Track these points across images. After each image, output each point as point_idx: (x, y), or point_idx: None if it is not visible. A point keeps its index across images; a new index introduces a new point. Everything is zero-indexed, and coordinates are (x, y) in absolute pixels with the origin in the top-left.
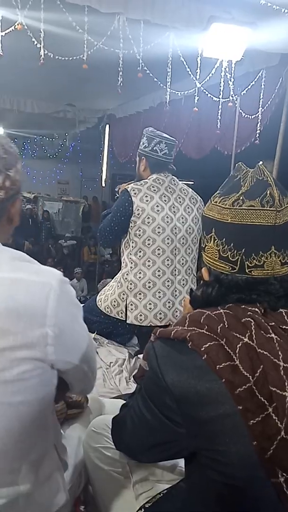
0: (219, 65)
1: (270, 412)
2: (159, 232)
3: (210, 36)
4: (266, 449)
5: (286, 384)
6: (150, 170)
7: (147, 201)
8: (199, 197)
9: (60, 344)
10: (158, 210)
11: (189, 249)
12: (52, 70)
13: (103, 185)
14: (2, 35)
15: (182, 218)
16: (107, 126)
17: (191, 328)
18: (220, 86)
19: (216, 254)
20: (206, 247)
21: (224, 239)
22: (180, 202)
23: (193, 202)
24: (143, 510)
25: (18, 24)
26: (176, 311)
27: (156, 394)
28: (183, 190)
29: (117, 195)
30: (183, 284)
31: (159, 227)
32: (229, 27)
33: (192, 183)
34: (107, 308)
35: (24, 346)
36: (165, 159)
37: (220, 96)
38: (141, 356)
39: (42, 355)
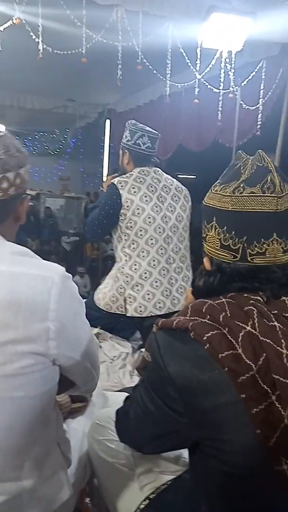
0: (219, 56)
1: (274, 400)
2: (150, 222)
3: (209, 27)
4: (269, 437)
5: None
6: (133, 163)
7: (134, 192)
8: (184, 187)
9: (62, 339)
10: (146, 201)
11: (181, 236)
12: (51, 65)
13: (105, 180)
14: (0, 30)
15: (171, 206)
16: (108, 120)
17: (193, 318)
18: (220, 77)
19: (218, 243)
20: (207, 236)
21: (225, 227)
22: (166, 191)
23: (179, 191)
24: (147, 501)
25: (16, 19)
26: (174, 299)
27: (158, 385)
28: (168, 180)
29: (101, 188)
30: (178, 272)
31: (149, 217)
32: (229, 17)
33: (195, 177)
34: (107, 305)
35: (26, 340)
36: (148, 152)
37: (221, 88)
38: (144, 349)
39: (43, 349)
